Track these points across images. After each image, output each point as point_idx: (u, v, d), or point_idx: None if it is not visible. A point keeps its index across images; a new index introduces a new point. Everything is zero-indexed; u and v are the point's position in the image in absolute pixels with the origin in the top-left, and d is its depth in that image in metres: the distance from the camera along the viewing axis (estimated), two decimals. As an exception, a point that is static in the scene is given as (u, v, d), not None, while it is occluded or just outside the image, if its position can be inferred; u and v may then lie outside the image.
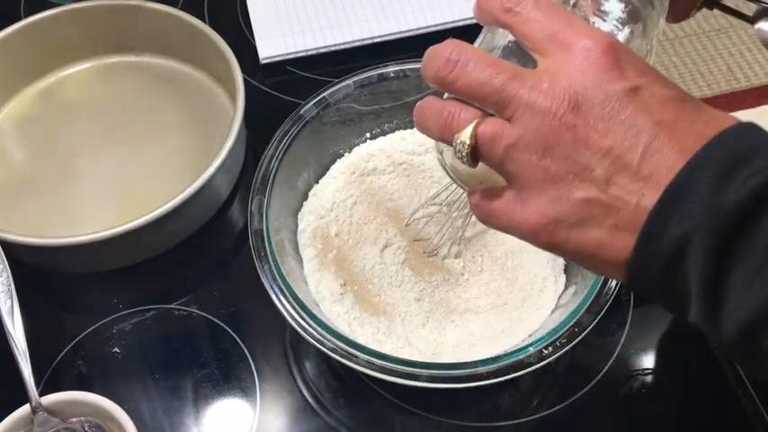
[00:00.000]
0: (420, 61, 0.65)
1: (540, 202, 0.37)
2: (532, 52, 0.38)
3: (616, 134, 0.35)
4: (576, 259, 0.39)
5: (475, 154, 0.38)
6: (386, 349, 0.58)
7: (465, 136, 0.38)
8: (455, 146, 0.39)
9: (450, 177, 0.47)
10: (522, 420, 0.61)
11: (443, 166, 0.47)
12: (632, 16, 0.42)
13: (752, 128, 0.34)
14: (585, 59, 0.36)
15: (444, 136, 0.40)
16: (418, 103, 0.43)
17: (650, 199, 0.34)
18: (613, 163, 0.35)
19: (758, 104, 0.80)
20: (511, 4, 0.39)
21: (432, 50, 0.40)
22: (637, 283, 0.36)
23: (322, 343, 0.54)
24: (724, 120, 0.35)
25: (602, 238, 0.36)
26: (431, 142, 0.70)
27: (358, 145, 0.71)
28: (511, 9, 0.38)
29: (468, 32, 0.87)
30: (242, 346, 0.64)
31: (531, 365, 0.53)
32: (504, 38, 0.42)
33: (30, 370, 0.56)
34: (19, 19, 0.77)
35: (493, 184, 0.41)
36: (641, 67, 0.36)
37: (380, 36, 0.84)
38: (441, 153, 0.46)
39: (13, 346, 0.57)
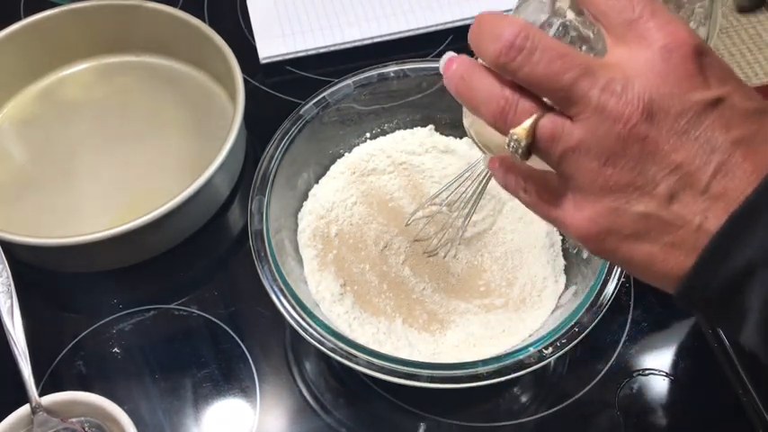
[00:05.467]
0: (419, 61, 0.64)
1: (594, 209, 0.34)
2: (605, 31, 0.34)
3: (688, 150, 0.32)
4: (622, 267, 0.37)
5: (529, 149, 0.35)
6: (386, 349, 0.58)
7: (522, 132, 0.34)
8: (509, 140, 0.35)
9: (478, 146, 0.44)
10: (523, 420, 0.61)
11: (470, 135, 0.43)
12: None
13: None
14: (667, 62, 0.32)
15: (497, 125, 0.36)
16: (460, 71, 0.37)
17: (714, 221, 0.32)
18: (680, 180, 0.32)
19: (758, 104, 0.80)
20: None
21: (489, 25, 0.35)
22: (686, 300, 0.34)
23: (322, 343, 0.54)
24: None
25: (655, 253, 0.34)
26: (431, 142, 0.71)
27: (358, 145, 0.71)
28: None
29: (467, 32, 0.87)
30: (242, 346, 0.64)
31: (531, 365, 0.53)
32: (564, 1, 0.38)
33: (30, 370, 0.56)
34: (19, 19, 0.77)
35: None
36: (725, 75, 0.33)
37: (380, 36, 0.84)
38: (469, 120, 0.43)
39: (13, 346, 0.57)
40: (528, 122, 0.34)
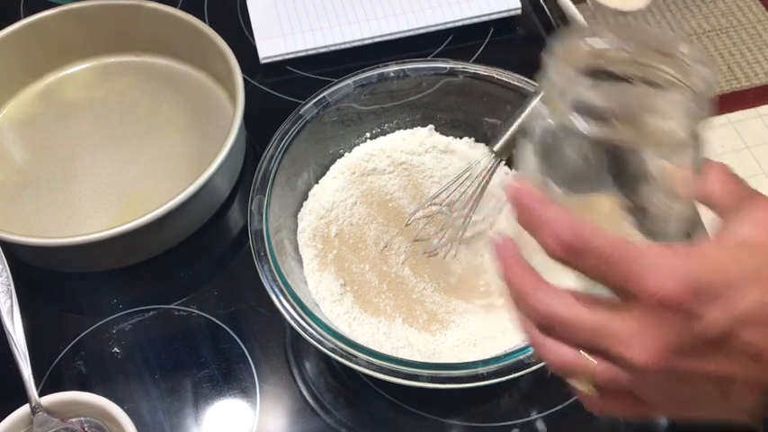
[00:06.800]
0: (419, 61, 0.64)
1: (665, 411, 0.40)
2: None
3: (719, 365, 0.35)
4: None
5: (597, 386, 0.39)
6: (386, 349, 0.58)
7: (586, 383, 0.39)
8: (579, 382, 0.39)
9: None
10: (523, 420, 0.61)
11: None
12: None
13: None
14: (662, 315, 0.34)
15: (565, 374, 0.40)
16: (528, 331, 0.42)
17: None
18: (721, 385, 0.36)
19: (758, 104, 0.80)
20: (570, 255, 0.35)
21: (521, 297, 0.40)
22: None
23: (322, 343, 0.54)
24: None
25: (728, 417, 0.38)
26: (431, 142, 0.71)
27: (358, 145, 0.71)
28: (577, 252, 0.35)
29: (467, 32, 0.87)
30: (242, 346, 0.64)
31: (531, 365, 0.53)
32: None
33: (30, 370, 0.56)
34: (19, 19, 0.77)
35: None
36: (724, 293, 0.34)
37: (380, 36, 0.84)
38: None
39: (13, 346, 0.57)
40: (588, 374, 0.38)
